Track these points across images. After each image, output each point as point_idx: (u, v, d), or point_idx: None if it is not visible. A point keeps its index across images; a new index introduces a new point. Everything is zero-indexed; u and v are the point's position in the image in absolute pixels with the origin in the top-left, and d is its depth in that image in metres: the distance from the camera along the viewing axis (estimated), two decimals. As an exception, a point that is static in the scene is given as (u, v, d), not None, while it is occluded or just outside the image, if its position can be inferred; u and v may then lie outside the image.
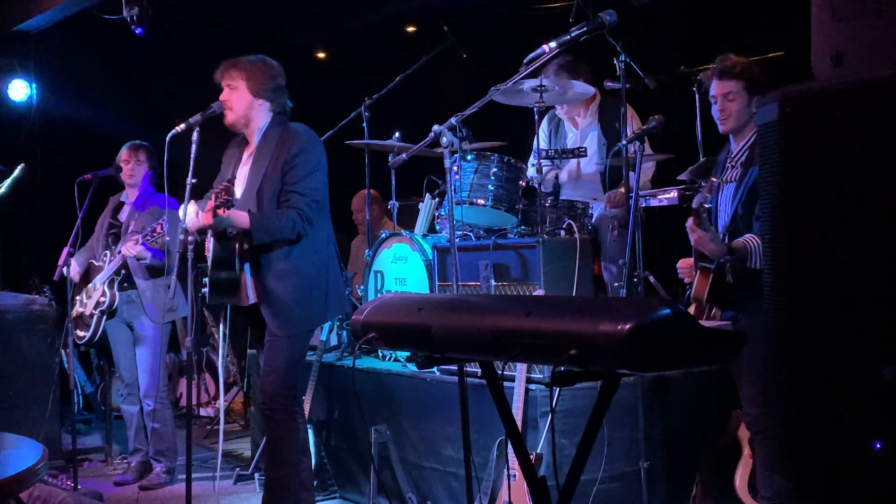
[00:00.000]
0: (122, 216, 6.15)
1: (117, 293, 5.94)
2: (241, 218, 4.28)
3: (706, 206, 3.84)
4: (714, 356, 2.37)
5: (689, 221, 3.80)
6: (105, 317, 5.97)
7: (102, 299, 5.92)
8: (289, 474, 4.44)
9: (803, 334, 2.27)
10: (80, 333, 6.01)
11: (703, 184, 4.03)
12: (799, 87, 2.31)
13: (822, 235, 2.22)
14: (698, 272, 3.87)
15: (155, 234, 5.46)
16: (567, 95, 5.24)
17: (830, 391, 2.21)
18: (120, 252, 5.83)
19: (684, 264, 4.12)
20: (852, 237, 2.16)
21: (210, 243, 4.46)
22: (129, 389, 6.18)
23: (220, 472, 5.35)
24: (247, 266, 4.44)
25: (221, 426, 5.11)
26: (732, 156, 4.02)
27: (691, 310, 3.88)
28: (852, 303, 2.16)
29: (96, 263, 6.06)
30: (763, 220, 2.44)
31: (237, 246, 4.40)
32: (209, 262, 4.45)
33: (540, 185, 4.82)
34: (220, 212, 4.17)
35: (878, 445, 2.09)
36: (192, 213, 4.36)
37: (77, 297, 6.12)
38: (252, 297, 4.46)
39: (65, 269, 5.98)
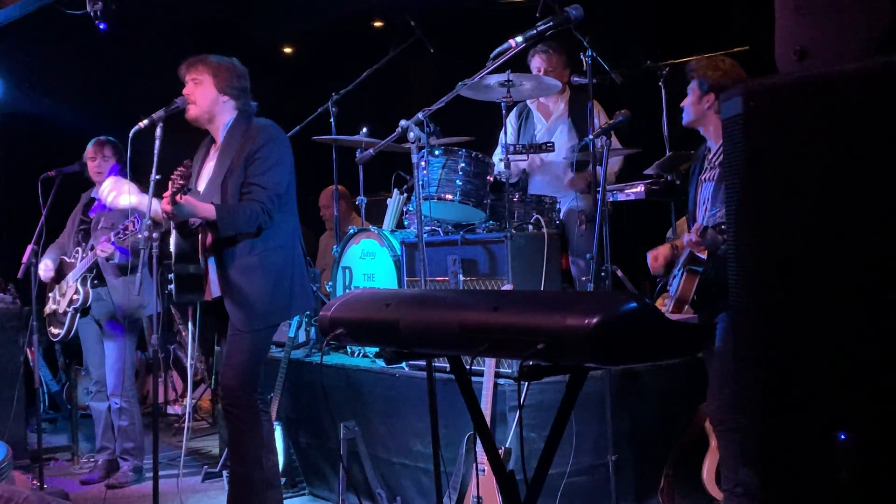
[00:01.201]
0: (93, 213, 6.09)
1: (90, 290, 5.89)
2: (206, 209, 4.23)
3: (723, 226, 3.83)
4: (680, 349, 2.38)
5: (693, 236, 3.79)
6: (79, 314, 5.93)
7: (76, 297, 5.88)
8: (252, 470, 4.38)
9: (768, 325, 2.29)
10: (54, 331, 5.99)
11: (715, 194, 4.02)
12: (763, 81, 2.33)
13: (785, 227, 2.24)
14: (685, 273, 3.86)
15: (127, 233, 5.37)
16: (535, 89, 5.25)
17: (796, 382, 2.22)
18: (93, 250, 5.78)
19: (654, 255, 4.13)
20: (816, 228, 2.18)
21: (172, 238, 4.41)
22: (97, 387, 6.14)
23: (187, 470, 5.32)
24: (211, 260, 4.39)
25: (188, 424, 5.09)
26: (711, 155, 4.05)
27: (666, 307, 3.88)
28: (817, 293, 2.18)
29: (68, 260, 6.01)
30: (727, 212, 2.45)
31: (200, 239, 4.36)
32: (173, 258, 4.38)
33: (507, 179, 4.84)
34: (178, 198, 4.11)
35: (843, 437, 2.11)
36: (156, 207, 4.30)
37: (50, 294, 6.08)
38: (216, 291, 4.42)
39: (41, 269, 5.93)
